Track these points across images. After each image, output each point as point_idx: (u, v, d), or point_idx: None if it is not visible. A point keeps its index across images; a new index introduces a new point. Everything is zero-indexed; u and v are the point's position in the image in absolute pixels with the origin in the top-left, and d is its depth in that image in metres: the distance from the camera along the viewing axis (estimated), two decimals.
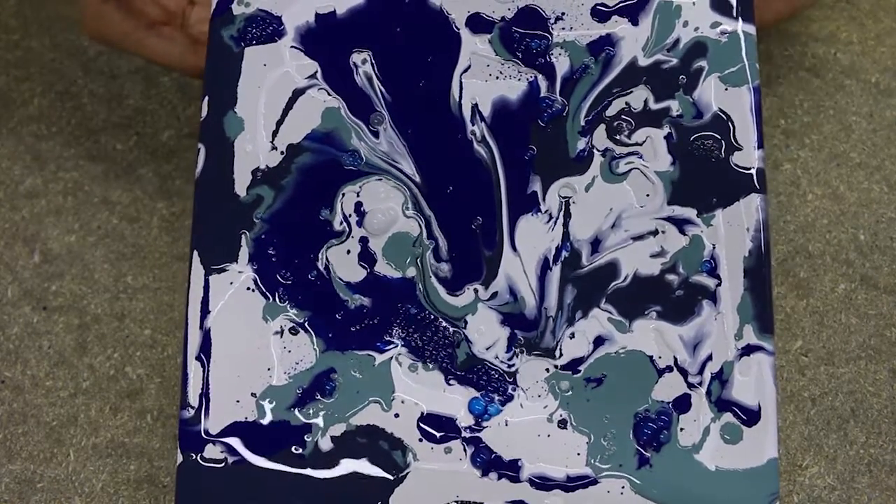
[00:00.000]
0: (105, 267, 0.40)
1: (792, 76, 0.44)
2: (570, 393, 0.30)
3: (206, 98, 0.31)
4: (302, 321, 0.30)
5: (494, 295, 0.30)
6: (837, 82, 0.44)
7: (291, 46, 0.32)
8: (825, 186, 0.41)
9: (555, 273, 0.30)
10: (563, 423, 0.29)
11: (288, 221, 0.31)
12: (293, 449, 0.29)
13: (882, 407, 0.36)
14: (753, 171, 0.29)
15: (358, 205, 0.31)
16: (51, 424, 0.37)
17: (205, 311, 0.30)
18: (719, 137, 0.30)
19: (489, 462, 0.29)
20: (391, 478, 0.29)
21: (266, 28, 0.32)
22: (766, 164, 0.41)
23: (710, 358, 0.29)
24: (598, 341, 0.30)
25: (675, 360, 0.29)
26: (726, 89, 0.30)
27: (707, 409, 0.29)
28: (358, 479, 0.29)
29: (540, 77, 0.31)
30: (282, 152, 0.31)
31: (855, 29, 0.45)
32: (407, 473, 0.29)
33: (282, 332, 0.30)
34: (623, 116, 0.31)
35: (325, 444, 0.29)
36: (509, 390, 0.30)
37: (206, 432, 0.29)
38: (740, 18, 0.31)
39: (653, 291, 0.30)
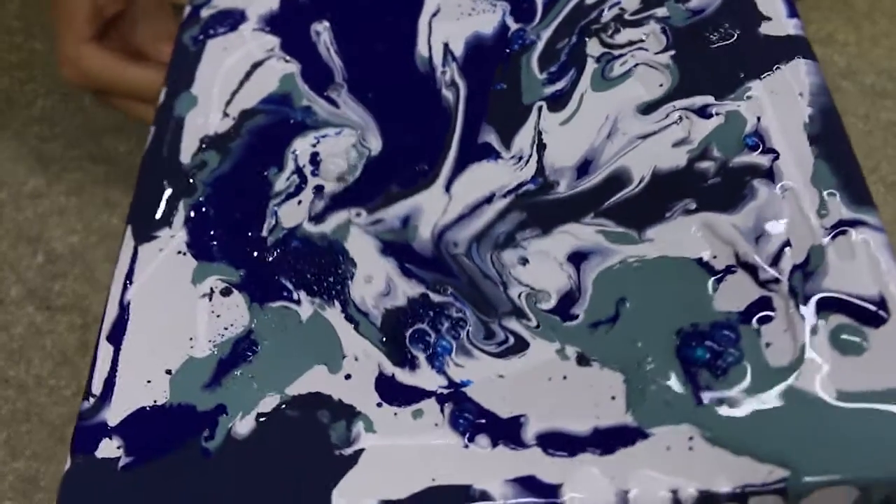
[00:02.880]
0: (107, 267, 0.40)
1: None
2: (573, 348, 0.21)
3: (164, 89, 0.31)
4: (236, 280, 0.25)
5: (379, 221, 0.25)
6: (834, 84, 0.44)
7: (253, 29, 0.32)
8: None
9: (496, 204, 0.25)
10: (583, 360, 0.21)
11: (232, 182, 0.28)
12: (202, 440, 0.22)
13: None
14: (791, 36, 0.25)
15: (314, 155, 0.28)
16: (54, 423, 0.38)
17: (127, 283, 0.26)
18: (735, 13, 0.26)
19: (476, 423, 0.20)
20: (338, 458, 0.21)
21: (228, 20, 0.32)
22: None
23: (787, 244, 0.21)
24: (578, 258, 0.23)
25: (736, 254, 0.21)
26: None
27: (801, 312, 0.20)
28: (288, 469, 0.21)
29: (512, 6, 0.29)
30: (233, 118, 0.29)
31: (851, 31, 0.46)
32: (359, 453, 0.21)
33: (211, 295, 0.25)
34: (612, 23, 0.28)
35: (245, 428, 0.22)
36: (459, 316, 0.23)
37: (104, 425, 0.23)
38: None
39: (677, 189, 0.23)
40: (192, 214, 0.27)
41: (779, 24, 0.26)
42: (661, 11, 0.28)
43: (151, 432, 0.22)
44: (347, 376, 0.22)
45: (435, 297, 0.24)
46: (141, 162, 0.29)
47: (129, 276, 0.26)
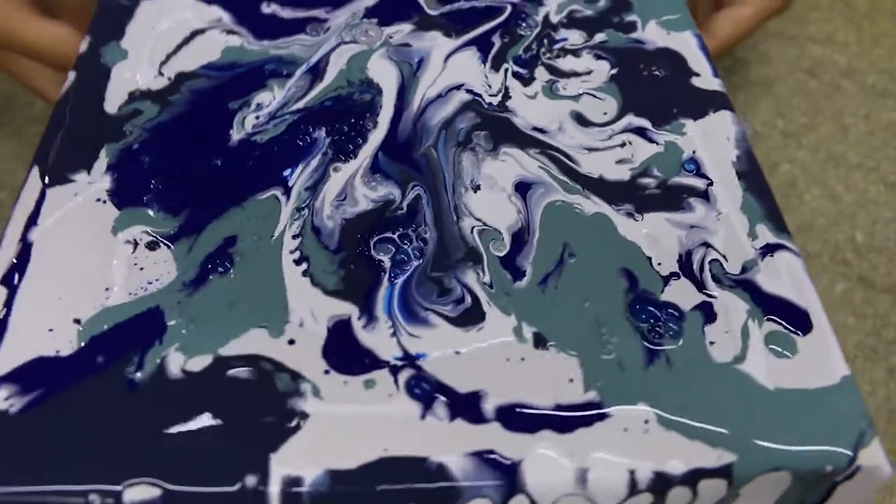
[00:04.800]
0: None
1: (789, 78, 0.44)
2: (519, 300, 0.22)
3: (88, 38, 0.29)
4: (167, 232, 0.23)
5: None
6: (835, 84, 0.44)
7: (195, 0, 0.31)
8: (822, 187, 0.41)
9: (462, 95, 0.28)
10: (539, 342, 0.21)
11: (175, 131, 0.27)
12: (125, 372, 0.20)
13: (878, 406, 0.37)
14: (718, 91, 0.28)
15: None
16: None
17: (30, 225, 0.23)
18: (671, 61, 0.29)
19: (433, 394, 0.20)
20: (279, 427, 0.19)
21: None
22: (764, 165, 0.41)
23: (724, 260, 0.23)
24: (523, 188, 0.25)
25: (679, 261, 0.23)
26: (668, 34, 0.30)
27: (740, 314, 0.22)
28: (224, 430, 0.19)
29: None
30: (169, 78, 0.28)
31: (852, 31, 0.46)
32: (303, 419, 0.19)
33: (135, 246, 0.23)
34: (558, 52, 0.30)
35: (175, 371, 0.20)
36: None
37: None
38: None
39: (621, 193, 0.25)
40: (119, 162, 0.25)
41: (707, 80, 0.29)
42: (599, 36, 0.31)
43: (51, 383, 0.20)
44: (291, 341, 0.21)
45: (399, 212, 0.24)
46: (56, 105, 0.27)
47: (34, 218, 0.23)
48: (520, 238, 0.23)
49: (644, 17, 0.31)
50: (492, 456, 0.19)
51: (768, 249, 0.23)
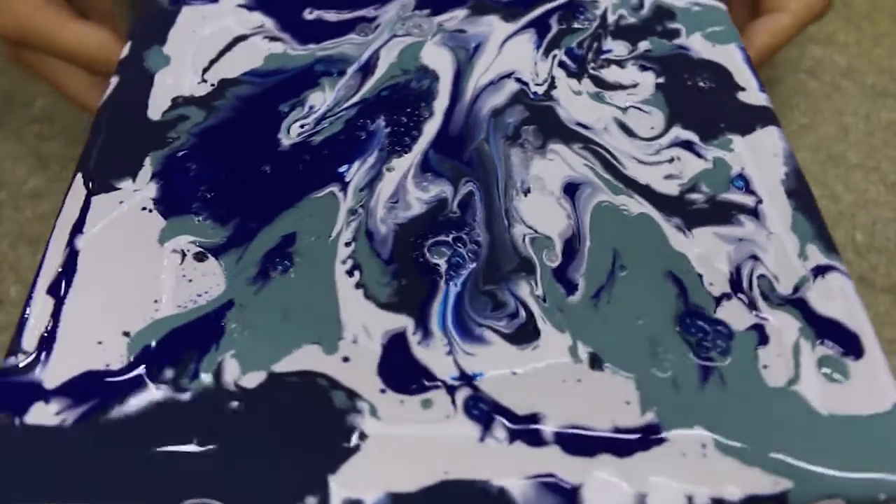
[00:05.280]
0: None
1: (789, 78, 0.44)
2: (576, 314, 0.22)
3: (130, 42, 0.29)
4: (216, 242, 0.23)
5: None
6: (834, 84, 0.44)
7: (237, 6, 0.31)
8: (822, 187, 0.41)
9: (511, 85, 0.28)
10: (596, 363, 0.21)
11: (225, 134, 0.26)
12: (179, 386, 0.20)
13: None
14: (765, 106, 0.28)
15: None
16: None
17: (75, 233, 0.23)
18: (716, 74, 0.29)
19: (492, 415, 0.20)
20: (337, 447, 0.19)
21: None
22: None
23: (775, 279, 0.23)
24: (571, 189, 0.25)
25: (731, 279, 0.23)
26: (713, 46, 0.30)
27: (792, 335, 0.22)
28: (282, 450, 0.19)
29: None
30: (212, 84, 0.28)
31: (852, 31, 0.46)
32: (361, 440, 0.19)
33: (182, 257, 0.23)
34: (604, 61, 0.30)
35: (230, 386, 0.20)
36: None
37: (37, 386, 0.20)
38: None
39: (670, 206, 0.25)
40: (164, 169, 0.25)
41: (753, 94, 0.28)
42: (643, 45, 0.30)
43: (103, 396, 0.20)
44: (345, 359, 0.21)
45: (452, 215, 0.24)
46: (99, 111, 0.27)
47: (79, 226, 0.23)
48: (571, 246, 0.24)
49: (689, 29, 0.31)
50: (552, 480, 0.19)
51: (819, 270, 0.23)
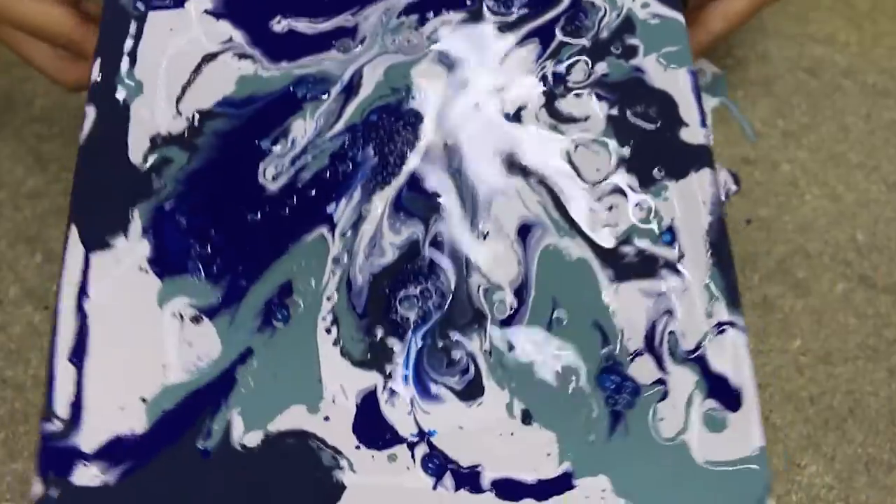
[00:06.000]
0: None
1: (790, 77, 0.44)
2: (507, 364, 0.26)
3: (98, 60, 0.28)
4: (211, 304, 0.25)
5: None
6: (835, 83, 0.44)
7: (204, 12, 0.29)
8: (823, 187, 0.41)
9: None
10: (527, 418, 0.25)
11: (208, 178, 0.26)
12: (197, 446, 0.23)
13: (880, 406, 0.37)
14: (702, 146, 0.28)
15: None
16: None
17: (82, 296, 0.24)
18: (665, 107, 0.29)
19: (442, 468, 0.24)
20: (324, 494, 0.23)
21: None
22: (764, 165, 0.41)
23: (682, 336, 0.26)
24: (524, 231, 0.27)
25: (646, 335, 0.26)
26: (665, 70, 0.30)
27: (685, 394, 0.25)
28: (277, 495, 0.23)
29: None
30: (187, 118, 0.27)
31: (853, 30, 0.46)
32: (342, 489, 0.24)
33: (181, 319, 0.25)
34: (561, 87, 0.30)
35: (236, 444, 0.24)
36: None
37: (76, 451, 0.23)
38: (667, 5, 0.31)
39: (604, 258, 0.27)
40: (153, 222, 0.25)
41: (695, 131, 0.29)
42: (601, 67, 0.30)
43: (132, 458, 0.23)
44: (326, 418, 0.24)
45: (419, 260, 0.26)
46: (80, 151, 0.26)
47: (84, 288, 0.24)
48: (519, 296, 0.26)
49: (646, 47, 0.30)
50: None
51: (719, 326, 0.26)
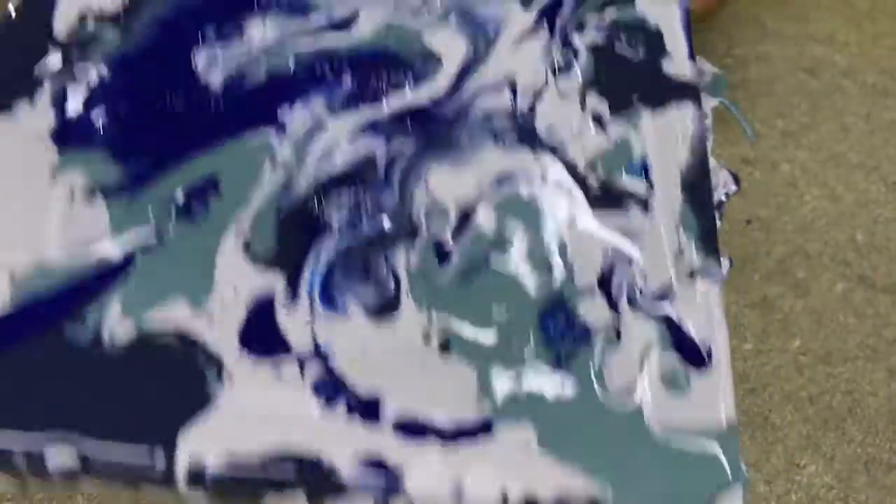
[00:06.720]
0: None
1: (790, 77, 0.44)
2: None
3: None
4: (108, 183, 0.22)
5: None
6: (835, 83, 0.44)
7: None
8: (823, 187, 0.41)
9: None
10: (446, 347, 0.21)
11: (140, 61, 0.25)
12: (60, 334, 0.20)
13: (879, 406, 0.37)
14: (686, 80, 0.27)
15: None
16: None
17: None
18: (648, 43, 0.27)
19: (334, 392, 0.20)
20: (189, 399, 0.20)
21: None
22: (764, 165, 0.41)
23: (643, 279, 0.23)
24: (504, 176, 0.24)
25: (601, 275, 0.23)
26: (653, 6, 0.28)
27: (641, 344, 0.22)
28: (140, 404, 0.20)
29: None
30: (125, 1, 0.26)
31: (853, 30, 0.46)
32: (212, 400, 0.20)
33: (72, 195, 0.22)
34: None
35: (108, 338, 0.21)
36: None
37: None
38: None
39: (579, 188, 0.24)
40: (67, 93, 0.24)
41: (680, 63, 0.27)
42: (610, 13, 0.28)
43: None
44: (210, 318, 0.21)
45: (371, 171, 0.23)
46: (2, 20, 0.25)
47: None
48: (464, 219, 0.23)
49: None
50: (379, 459, 0.19)
51: (691, 273, 0.23)
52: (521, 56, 0.28)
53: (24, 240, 0.21)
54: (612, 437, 0.20)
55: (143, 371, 0.20)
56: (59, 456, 0.19)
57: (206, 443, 0.19)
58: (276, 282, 0.22)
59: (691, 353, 0.22)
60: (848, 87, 0.44)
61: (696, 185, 0.25)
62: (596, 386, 0.21)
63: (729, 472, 0.20)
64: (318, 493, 0.19)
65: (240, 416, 0.20)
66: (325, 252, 0.22)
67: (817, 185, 0.41)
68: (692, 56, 0.27)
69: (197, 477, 0.19)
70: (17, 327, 0.20)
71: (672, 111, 0.26)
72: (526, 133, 0.26)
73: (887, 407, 0.37)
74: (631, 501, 0.19)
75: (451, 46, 0.27)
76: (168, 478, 0.19)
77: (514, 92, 0.27)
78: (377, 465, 0.19)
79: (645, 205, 0.24)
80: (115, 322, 0.21)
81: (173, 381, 0.20)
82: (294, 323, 0.21)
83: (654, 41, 0.28)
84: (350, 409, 0.20)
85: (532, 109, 0.26)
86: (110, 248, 0.22)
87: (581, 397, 0.21)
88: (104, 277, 0.21)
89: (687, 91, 0.27)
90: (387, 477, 0.19)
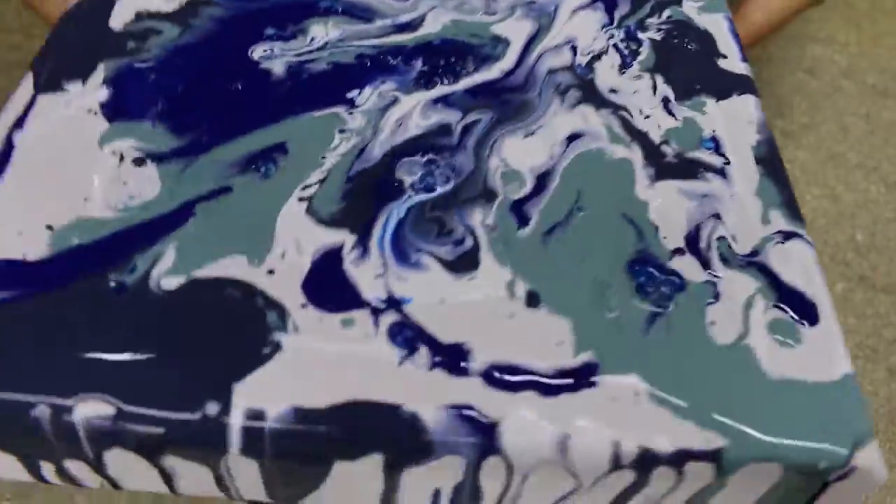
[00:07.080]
0: None
1: (790, 77, 0.44)
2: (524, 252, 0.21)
3: None
4: (160, 150, 0.23)
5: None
6: (835, 83, 0.44)
7: None
8: (823, 187, 0.41)
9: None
10: (532, 300, 0.20)
11: (196, 50, 0.25)
12: (97, 285, 0.19)
13: (879, 406, 0.37)
14: (744, 75, 0.27)
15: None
16: None
17: (15, 129, 0.23)
18: (703, 37, 0.28)
19: (415, 340, 0.19)
20: (247, 355, 0.18)
21: None
22: None
23: (733, 240, 0.22)
24: (574, 137, 0.25)
25: (688, 235, 0.22)
26: (700, 14, 0.29)
27: (746, 296, 0.21)
28: (191, 354, 0.18)
29: None
30: (181, 3, 0.27)
31: (852, 31, 0.46)
32: (275, 350, 0.18)
33: (121, 159, 0.22)
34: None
35: (150, 287, 0.20)
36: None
37: None
38: None
39: (651, 158, 0.24)
40: (119, 76, 0.24)
41: (734, 62, 0.28)
42: (666, 14, 0.29)
43: (13, 286, 0.19)
44: (270, 272, 0.20)
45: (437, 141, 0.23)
46: (59, 20, 0.26)
47: (21, 122, 0.23)
48: (539, 183, 0.23)
49: None
50: (470, 412, 0.18)
51: (781, 236, 0.22)
52: (582, 23, 0.29)
53: (68, 201, 0.21)
54: (728, 390, 0.19)
55: (193, 317, 0.19)
56: (90, 408, 0.17)
57: (267, 392, 0.18)
58: (343, 237, 0.21)
59: (796, 306, 0.21)
60: (848, 87, 0.43)
61: (770, 160, 0.25)
62: (702, 335, 0.20)
63: (864, 424, 0.19)
64: (398, 455, 0.18)
65: (306, 364, 0.18)
66: (396, 211, 0.22)
67: (817, 185, 0.41)
68: (744, 59, 0.28)
69: (253, 435, 0.17)
70: (53, 271, 0.20)
71: (735, 100, 0.26)
72: (592, 94, 0.26)
73: (887, 407, 0.37)
74: (758, 453, 0.18)
75: (516, 29, 0.28)
76: (218, 436, 0.17)
77: (574, 50, 0.28)
78: (469, 419, 0.18)
79: (723, 173, 0.24)
80: (164, 269, 0.20)
81: (229, 327, 0.19)
82: (364, 275, 0.20)
83: (707, 42, 0.29)
84: (433, 358, 0.18)
85: (591, 68, 0.27)
86: (159, 205, 0.21)
87: (688, 348, 0.20)
88: (155, 230, 0.21)
89: (747, 84, 0.27)
90: (481, 429, 0.18)
